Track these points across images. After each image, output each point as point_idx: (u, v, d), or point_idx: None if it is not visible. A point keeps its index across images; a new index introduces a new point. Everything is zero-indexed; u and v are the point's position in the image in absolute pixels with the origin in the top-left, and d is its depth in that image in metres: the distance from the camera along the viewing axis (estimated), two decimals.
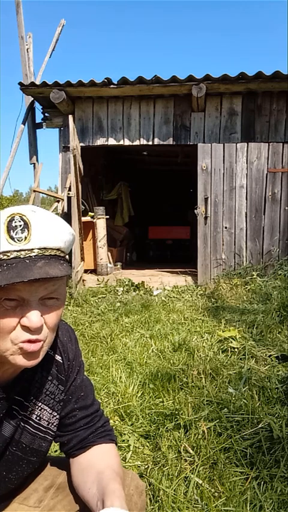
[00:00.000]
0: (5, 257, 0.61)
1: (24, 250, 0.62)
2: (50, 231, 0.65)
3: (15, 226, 0.61)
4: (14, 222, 0.62)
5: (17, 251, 0.61)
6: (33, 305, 0.63)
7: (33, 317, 0.62)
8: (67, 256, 0.72)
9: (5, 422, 0.73)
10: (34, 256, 0.62)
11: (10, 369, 0.70)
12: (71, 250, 4.95)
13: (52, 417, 0.80)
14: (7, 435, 0.73)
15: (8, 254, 0.61)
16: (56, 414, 0.81)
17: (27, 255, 0.62)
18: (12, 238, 0.61)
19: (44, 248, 0.63)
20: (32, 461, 0.79)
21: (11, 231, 0.61)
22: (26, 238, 0.62)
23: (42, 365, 0.77)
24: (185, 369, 2.44)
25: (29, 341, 0.64)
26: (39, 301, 0.64)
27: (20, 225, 0.62)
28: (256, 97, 5.60)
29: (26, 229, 0.62)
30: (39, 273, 0.60)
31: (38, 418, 0.78)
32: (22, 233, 0.62)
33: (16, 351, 0.64)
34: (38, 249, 0.63)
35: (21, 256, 0.61)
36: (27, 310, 0.63)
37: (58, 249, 0.66)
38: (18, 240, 0.61)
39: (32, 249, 0.62)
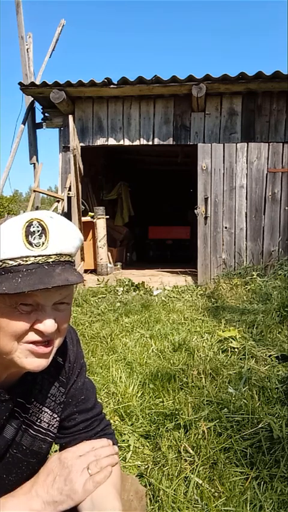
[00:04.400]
0: (24, 262, 0.61)
1: (42, 255, 0.62)
2: (65, 237, 0.65)
3: (34, 231, 0.62)
4: (32, 227, 0.62)
5: (35, 256, 0.62)
6: (48, 310, 0.64)
7: (49, 323, 0.63)
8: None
9: (7, 425, 0.73)
10: (51, 262, 0.63)
11: (15, 372, 0.70)
12: None
13: (52, 420, 0.80)
14: (9, 437, 0.73)
15: (26, 259, 0.61)
16: (56, 416, 0.81)
17: (45, 261, 0.62)
18: (30, 243, 0.61)
19: (60, 254, 0.64)
20: (32, 462, 0.79)
21: (29, 236, 0.61)
22: (43, 243, 0.62)
23: None
24: (185, 369, 2.43)
25: (38, 343, 0.64)
26: (52, 306, 0.65)
27: (38, 231, 0.62)
28: (256, 97, 5.60)
29: (43, 235, 0.62)
30: (61, 280, 0.61)
31: (38, 420, 0.78)
32: (40, 238, 0.62)
33: (23, 353, 0.64)
34: (55, 254, 0.64)
35: (40, 262, 0.62)
36: (42, 316, 0.64)
37: (70, 255, 0.67)
38: (36, 246, 0.62)
39: (50, 255, 0.63)
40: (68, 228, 0.68)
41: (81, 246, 0.73)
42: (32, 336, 0.64)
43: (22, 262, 0.61)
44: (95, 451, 0.67)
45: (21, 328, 0.63)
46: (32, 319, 0.63)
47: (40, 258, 0.62)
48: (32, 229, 0.62)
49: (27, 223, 0.62)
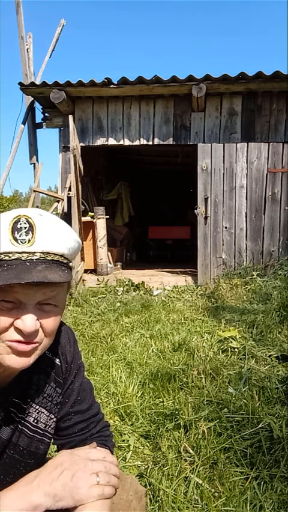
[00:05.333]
0: (6, 258, 0.61)
1: (27, 252, 0.62)
2: (54, 236, 0.64)
3: (20, 228, 0.62)
4: (19, 223, 0.62)
5: (19, 253, 0.61)
6: (30, 309, 0.63)
7: (28, 321, 0.62)
8: (71, 264, 0.71)
9: (3, 425, 0.73)
10: (36, 259, 0.62)
11: (6, 372, 0.69)
12: None
13: (49, 420, 0.80)
14: (5, 438, 0.73)
15: (10, 255, 0.61)
16: (53, 416, 0.81)
17: (29, 258, 0.62)
18: (15, 239, 0.61)
19: (47, 252, 0.63)
20: (30, 463, 0.78)
21: (16, 232, 0.61)
22: (29, 240, 0.62)
23: (39, 368, 0.77)
24: (185, 369, 2.43)
25: (20, 341, 0.63)
26: (36, 305, 0.64)
27: (25, 227, 0.62)
28: (256, 97, 5.60)
29: (30, 232, 0.62)
30: (38, 277, 0.60)
31: (35, 421, 0.77)
32: (26, 235, 0.62)
33: (4, 349, 0.63)
34: (40, 252, 0.63)
35: (23, 258, 0.61)
36: (23, 314, 0.63)
37: (61, 255, 0.66)
38: (21, 242, 0.61)
39: (34, 252, 0.62)
40: (60, 227, 0.67)
41: (78, 247, 0.71)
42: (12, 334, 0.63)
43: (5, 258, 0.61)
44: (106, 463, 0.65)
45: (1, 324, 0.62)
46: (12, 316, 0.62)
47: (25, 254, 0.62)
48: (19, 226, 0.62)
49: (15, 219, 0.62)
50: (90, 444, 0.76)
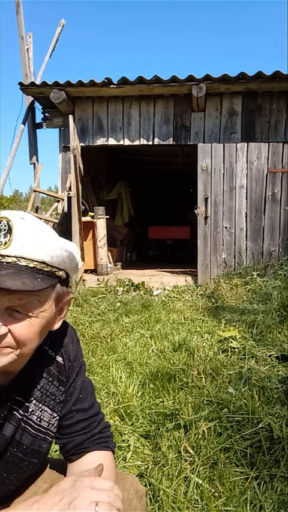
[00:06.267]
0: None
1: (1, 255, 0.61)
2: (33, 242, 0.62)
3: (0, 229, 0.61)
4: (0, 225, 0.61)
5: None
6: None
7: None
8: (61, 273, 0.68)
9: (6, 423, 0.73)
10: (6, 263, 0.61)
11: (3, 372, 0.69)
12: None
13: (52, 419, 0.80)
14: (8, 435, 0.73)
15: None
16: (56, 415, 0.81)
17: (1, 261, 0.61)
18: None
19: (21, 257, 0.61)
20: (33, 462, 0.79)
21: None
22: (5, 243, 0.60)
23: (42, 366, 0.77)
24: (185, 369, 2.44)
25: None
26: (6, 310, 0.63)
27: (5, 229, 0.61)
28: (256, 97, 5.60)
29: (8, 235, 0.61)
30: None
31: (38, 419, 0.78)
32: (4, 238, 0.61)
33: None
34: (14, 256, 0.61)
35: None
36: None
37: (42, 262, 0.63)
38: None
39: (8, 256, 0.61)
40: (41, 233, 0.65)
41: (68, 256, 0.68)
42: None
43: None
44: (110, 494, 0.64)
45: None
46: None
47: None
48: None
49: None
50: (97, 466, 0.73)
